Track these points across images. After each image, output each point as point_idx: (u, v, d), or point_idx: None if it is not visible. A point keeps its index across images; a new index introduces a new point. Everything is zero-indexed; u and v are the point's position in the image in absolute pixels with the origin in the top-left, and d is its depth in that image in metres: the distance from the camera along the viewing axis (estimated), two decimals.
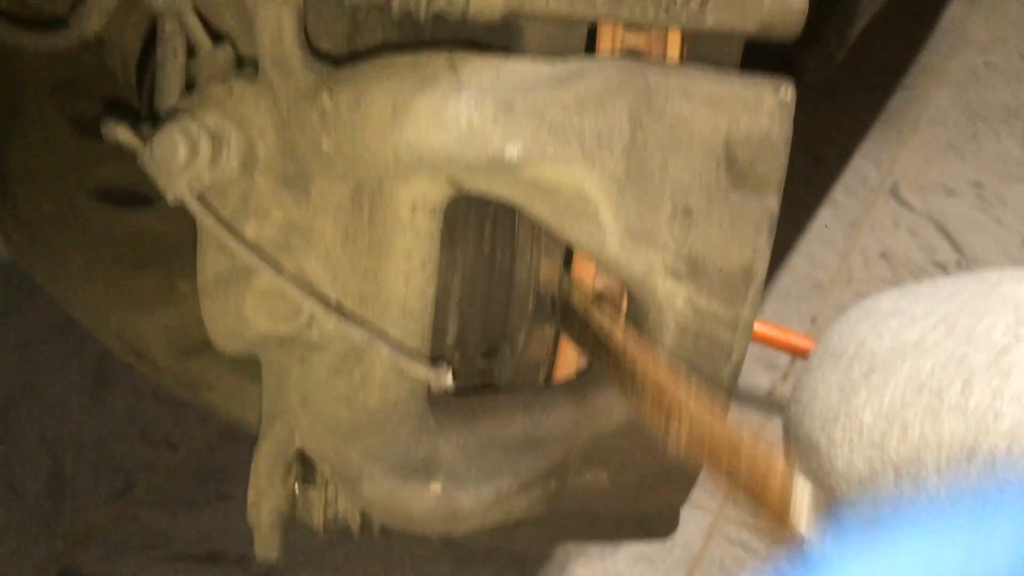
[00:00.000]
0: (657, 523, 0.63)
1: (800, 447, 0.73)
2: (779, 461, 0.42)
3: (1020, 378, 0.57)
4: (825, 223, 1.84)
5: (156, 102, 0.54)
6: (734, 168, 0.50)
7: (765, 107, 0.49)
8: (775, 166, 0.50)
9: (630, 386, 0.50)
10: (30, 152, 0.86)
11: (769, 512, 0.41)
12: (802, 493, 0.41)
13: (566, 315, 0.55)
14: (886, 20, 1.68)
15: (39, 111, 0.89)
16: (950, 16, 2.51)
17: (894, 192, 1.94)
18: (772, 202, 0.50)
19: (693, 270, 0.50)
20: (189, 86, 0.53)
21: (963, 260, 1.79)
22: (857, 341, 0.68)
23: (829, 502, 0.41)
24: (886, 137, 2.07)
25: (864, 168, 1.99)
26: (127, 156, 0.91)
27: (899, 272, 1.76)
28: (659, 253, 0.50)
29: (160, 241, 0.85)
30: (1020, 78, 2.30)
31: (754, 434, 0.44)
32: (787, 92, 0.50)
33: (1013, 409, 0.56)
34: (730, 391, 0.54)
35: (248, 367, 0.79)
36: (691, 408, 0.46)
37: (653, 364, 0.49)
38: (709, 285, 0.51)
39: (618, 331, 0.51)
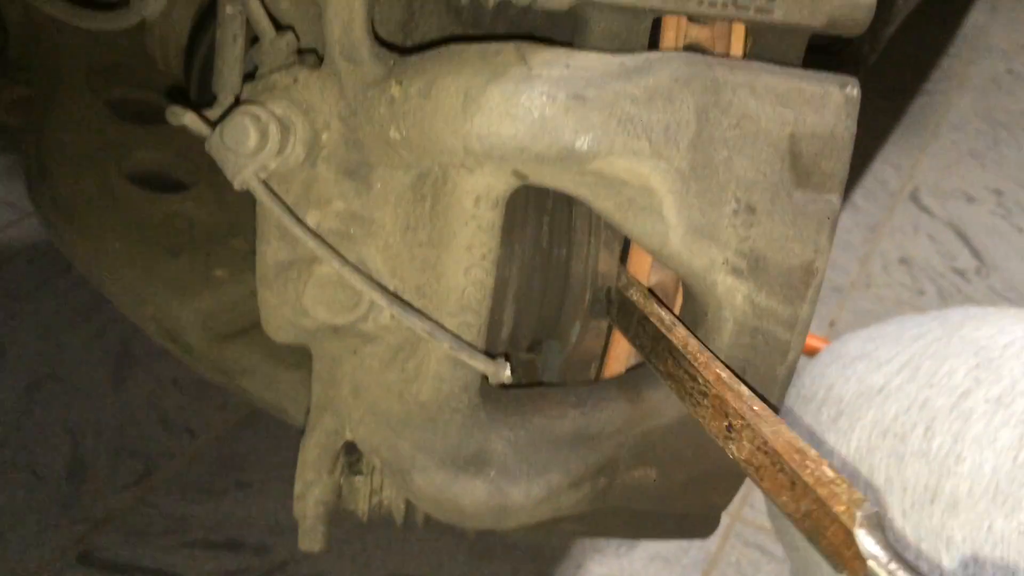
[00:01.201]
0: (698, 523, 0.63)
1: None
2: (843, 484, 0.41)
3: (979, 421, 0.57)
4: (845, 227, 1.83)
5: (214, 87, 0.53)
6: (798, 165, 0.49)
7: (832, 103, 0.49)
8: (839, 164, 0.50)
9: (689, 387, 0.50)
10: (68, 135, 0.86)
11: (830, 538, 0.40)
12: (867, 521, 0.39)
13: (622, 310, 0.55)
14: (908, 25, 1.67)
15: (77, 94, 0.89)
16: (972, 23, 2.51)
17: (914, 197, 1.93)
18: (835, 200, 0.50)
19: (754, 267, 0.50)
20: (249, 75, 0.52)
21: (982, 267, 1.79)
22: (826, 385, 0.69)
23: (889, 533, 0.40)
24: (907, 142, 2.07)
25: (884, 173, 1.98)
26: (163, 142, 0.91)
27: (918, 278, 1.76)
28: (721, 249, 0.49)
29: (195, 227, 0.85)
30: None
31: (816, 455, 0.43)
32: (854, 89, 0.50)
33: (973, 452, 0.56)
34: (783, 390, 0.54)
35: (284, 355, 0.79)
36: (756, 417, 0.45)
37: (715, 366, 0.48)
38: (769, 283, 0.50)
39: (680, 330, 0.51)
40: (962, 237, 1.85)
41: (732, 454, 0.46)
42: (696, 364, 0.48)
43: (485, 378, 0.56)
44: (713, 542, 1.30)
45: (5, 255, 1.46)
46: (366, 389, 0.54)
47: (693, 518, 0.62)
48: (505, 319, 0.57)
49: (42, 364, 1.32)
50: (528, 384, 0.60)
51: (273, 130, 0.47)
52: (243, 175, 0.48)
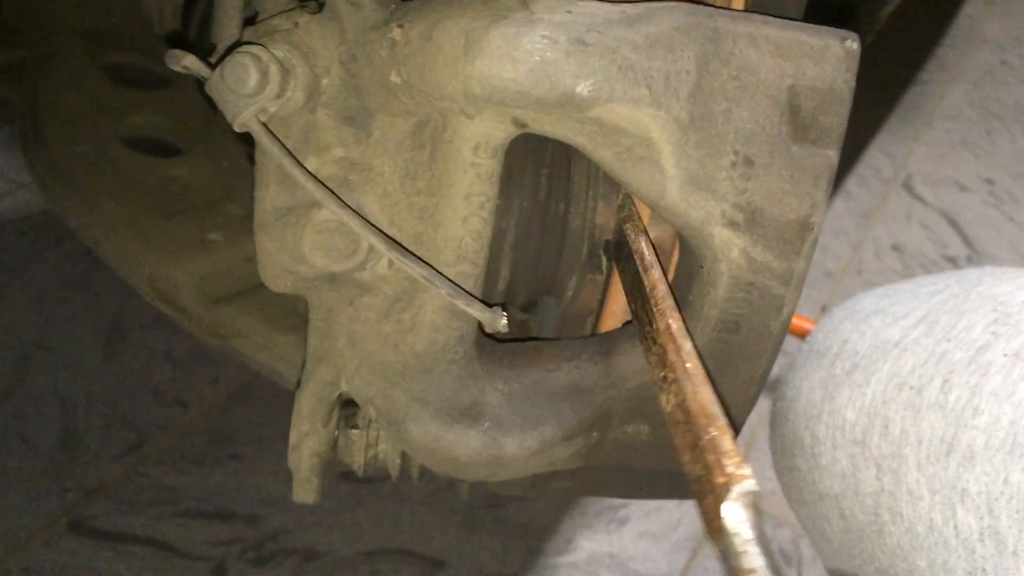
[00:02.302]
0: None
1: (785, 442, 0.74)
2: (735, 458, 0.41)
3: (998, 375, 0.57)
4: (838, 214, 1.84)
5: (213, 36, 0.53)
6: (797, 118, 0.49)
7: (832, 56, 0.48)
8: (838, 118, 0.49)
9: (646, 330, 0.49)
10: (63, 98, 0.85)
11: (706, 505, 0.41)
12: (740, 498, 0.39)
13: (619, 248, 0.55)
14: (903, 15, 1.67)
15: (71, 58, 0.89)
16: (967, 14, 2.51)
17: (907, 186, 1.94)
18: (832, 155, 0.49)
19: (750, 221, 0.49)
20: (249, 21, 0.52)
21: (974, 255, 1.80)
22: (840, 340, 0.69)
23: (760, 513, 0.39)
24: (901, 131, 2.08)
25: (878, 161, 1.99)
26: (158, 106, 0.91)
27: (910, 264, 1.77)
28: (718, 202, 0.49)
29: (190, 191, 0.85)
30: None
31: (723, 424, 0.43)
32: (853, 43, 0.49)
33: (991, 405, 0.57)
34: (777, 346, 0.54)
35: (279, 318, 0.79)
36: (685, 374, 0.45)
37: (670, 315, 0.48)
38: (765, 237, 0.50)
39: (655, 272, 0.50)
40: (954, 225, 1.86)
41: (661, 404, 0.46)
42: (655, 309, 0.48)
43: (481, 331, 0.56)
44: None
45: None
46: (362, 340, 0.54)
47: (687, 478, 0.62)
48: (502, 271, 0.57)
49: (34, 334, 1.32)
50: (524, 338, 0.60)
51: (274, 71, 0.47)
52: (243, 116, 0.47)
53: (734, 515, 0.38)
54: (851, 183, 1.93)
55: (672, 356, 0.46)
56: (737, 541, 0.38)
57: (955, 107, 2.18)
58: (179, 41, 0.85)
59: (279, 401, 1.21)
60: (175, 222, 0.80)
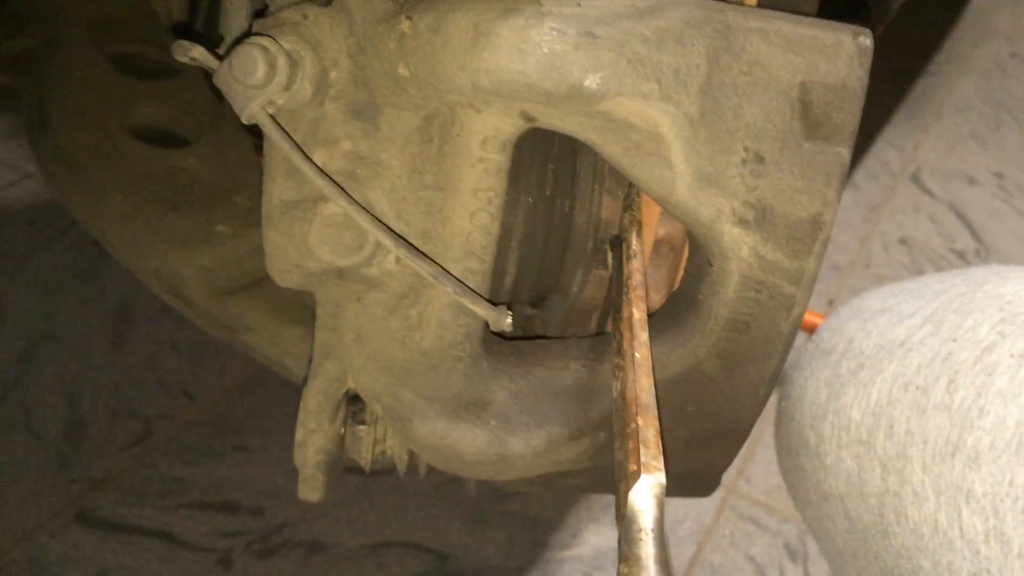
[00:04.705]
0: (699, 482, 0.63)
1: (790, 441, 0.73)
2: (653, 450, 0.42)
3: (1004, 375, 0.57)
4: (846, 206, 1.83)
5: (221, 28, 0.53)
6: (809, 115, 0.48)
7: (844, 52, 0.48)
8: (850, 115, 0.49)
9: (615, 316, 0.50)
10: (70, 88, 0.85)
11: (619, 491, 0.42)
12: (647, 490, 0.41)
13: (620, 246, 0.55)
14: (914, 7, 1.66)
15: (78, 48, 0.88)
16: (977, 6, 2.50)
17: (915, 179, 1.93)
18: (844, 153, 0.49)
19: (761, 218, 0.49)
20: (259, 13, 0.52)
21: (982, 249, 1.79)
22: (846, 338, 0.68)
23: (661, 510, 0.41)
24: (909, 123, 2.07)
25: (886, 153, 1.98)
26: (166, 97, 0.91)
27: (917, 259, 1.76)
28: (728, 199, 0.48)
29: (197, 183, 0.85)
30: None
31: (652, 416, 0.44)
32: (866, 39, 0.49)
33: (997, 406, 0.56)
34: (788, 346, 0.53)
35: (286, 310, 0.79)
36: (631, 363, 0.46)
37: (637, 305, 0.48)
38: (775, 235, 0.49)
39: (636, 262, 0.51)
40: (962, 219, 1.85)
41: (613, 390, 0.47)
42: (624, 296, 0.48)
43: (488, 328, 0.55)
44: (708, 514, 1.31)
45: (4, 215, 1.46)
46: (369, 336, 0.54)
47: (693, 476, 0.61)
48: (508, 268, 0.57)
49: (41, 324, 1.32)
50: (531, 336, 0.59)
51: (282, 63, 0.47)
52: (251, 108, 0.47)
53: (638, 503, 0.40)
54: (859, 176, 1.92)
55: (626, 344, 0.47)
56: (634, 528, 0.39)
57: (964, 100, 2.16)
58: (186, 32, 0.84)
59: (286, 392, 1.21)
60: (181, 214, 0.80)
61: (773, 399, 1.31)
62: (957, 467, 0.56)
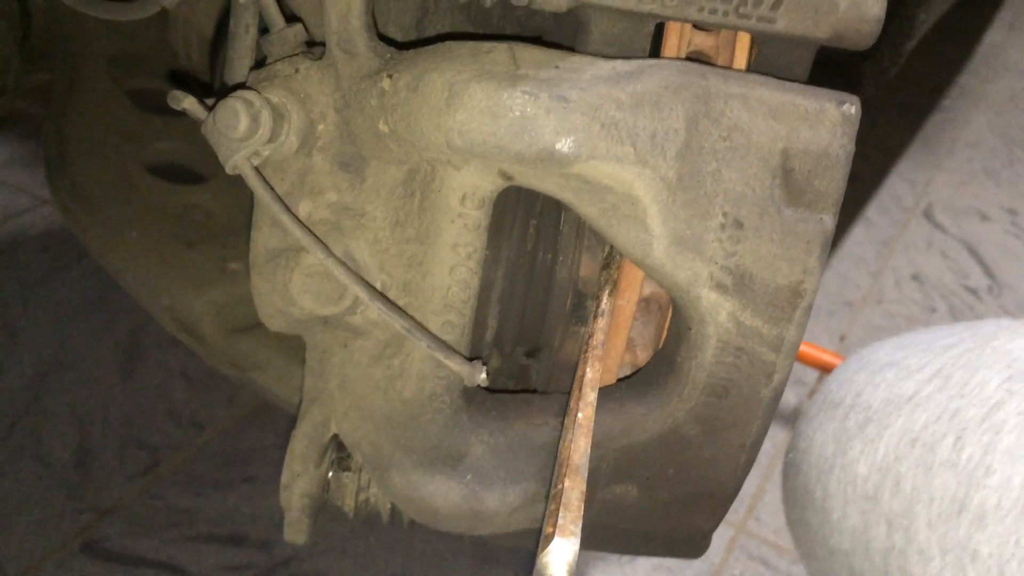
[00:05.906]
0: (685, 544, 0.61)
1: (796, 495, 0.73)
2: (572, 515, 0.43)
3: (1011, 433, 0.57)
4: (858, 242, 1.83)
5: (225, 76, 0.54)
6: (790, 182, 0.48)
7: (827, 120, 0.48)
8: (834, 183, 0.48)
9: (576, 372, 0.51)
10: (88, 123, 0.86)
11: (538, 546, 0.43)
12: (559, 551, 0.41)
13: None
14: (926, 42, 1.67)
15: (97, 83, 0.90)
16: (989, 41, 2.50)
17: (928, 214, 1.93)
18: (828, 221, 0.48)
19: (739, 284, 0.49)
20: (259, 64, 0.53)
21: (995, 286, 1.78)
22: (854, 392, 0.68)
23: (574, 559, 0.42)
24: (922, 158, 2.06)
25: (899, 188, 1.98)
26: (182, 133, 0.92)
27: (930, 295, 1.75)
28: (705, 263, 0.48)
29: (211, 220, 0.85)
30: None
31: (580, 479, 0.45)
32: (852, 107, 0.48)
33: (1004, 464, 0.56)
34: (769, 414, 0.52)
35: (296, 349, 0.79)
36: (573, 422, 0.47)
37: (592, 365, 0.49)
38: (755, 301, 0.49)
39: (602, 321, 0.51)
40: (975, 255, 1.84)
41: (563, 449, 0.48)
42: (582, 354, 0.49)
43: None
44: (717, 555, 1.30)
45: (19, 242, 1.47)
46: (353, 383, 0.54)
47: (680, 539, 0.60)
48: (489, 321, 0.57)
49: (52, 352, 1.32)
50: (515, 390, 0.60)
51: (265, 117, 0.47)
52: (234, 159, 0.48)
53: (549, 568, 0.40)
54: (871, 211, 1.92)
55: (573, 403, 0.47)
56: None
57: (977, 135, 2.16)
58: (183, 79, 0.85)
59: (294, 424, 1.21)
60: (196, 251, 0.81)
61: (782, 434, 1.30)
62: (963, 526, 0.56)
